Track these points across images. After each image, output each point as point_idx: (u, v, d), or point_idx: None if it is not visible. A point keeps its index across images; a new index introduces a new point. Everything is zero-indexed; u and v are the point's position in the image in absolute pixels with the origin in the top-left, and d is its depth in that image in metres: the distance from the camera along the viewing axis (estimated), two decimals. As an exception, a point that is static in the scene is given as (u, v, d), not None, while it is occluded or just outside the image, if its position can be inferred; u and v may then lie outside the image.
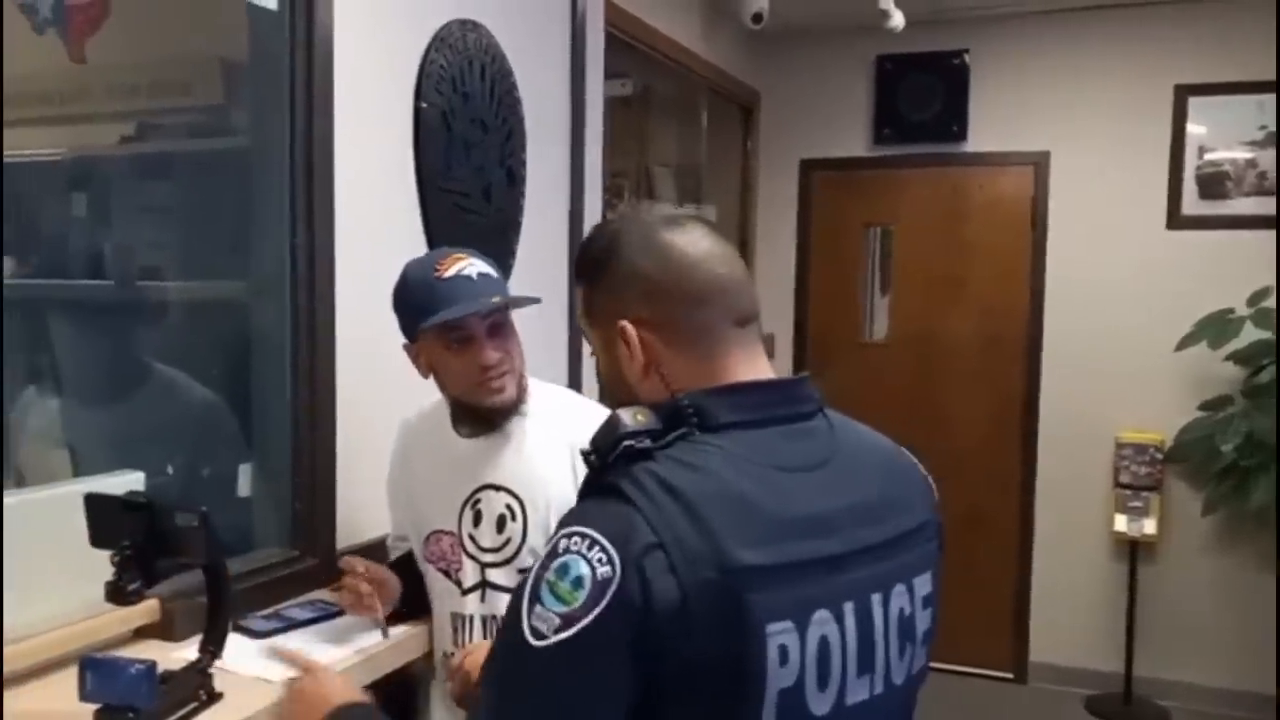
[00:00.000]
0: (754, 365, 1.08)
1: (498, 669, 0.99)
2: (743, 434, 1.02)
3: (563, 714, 0.95)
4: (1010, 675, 4.44)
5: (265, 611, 1.76)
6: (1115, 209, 4.28)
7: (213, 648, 1.44)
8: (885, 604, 1.04)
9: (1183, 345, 3.96)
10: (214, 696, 1.41)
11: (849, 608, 1.00)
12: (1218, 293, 3.98)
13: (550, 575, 0.94)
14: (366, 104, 2.08)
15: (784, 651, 0.96)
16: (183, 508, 1.34)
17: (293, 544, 1.97)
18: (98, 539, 1.34)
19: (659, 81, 4.04)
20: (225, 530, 1.90)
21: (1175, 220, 4.21)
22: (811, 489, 1.03)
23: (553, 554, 0.96)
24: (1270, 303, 3.87)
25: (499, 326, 1.62)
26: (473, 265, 1.61)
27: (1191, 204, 4.18)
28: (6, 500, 1.42)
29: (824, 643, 0.99)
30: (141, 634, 1.64)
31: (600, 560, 0.93)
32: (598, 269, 1.11)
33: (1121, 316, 4.27)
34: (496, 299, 1.61)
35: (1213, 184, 4.16)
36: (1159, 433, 4.17)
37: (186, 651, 1.48)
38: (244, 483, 2.02)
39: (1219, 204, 4.16)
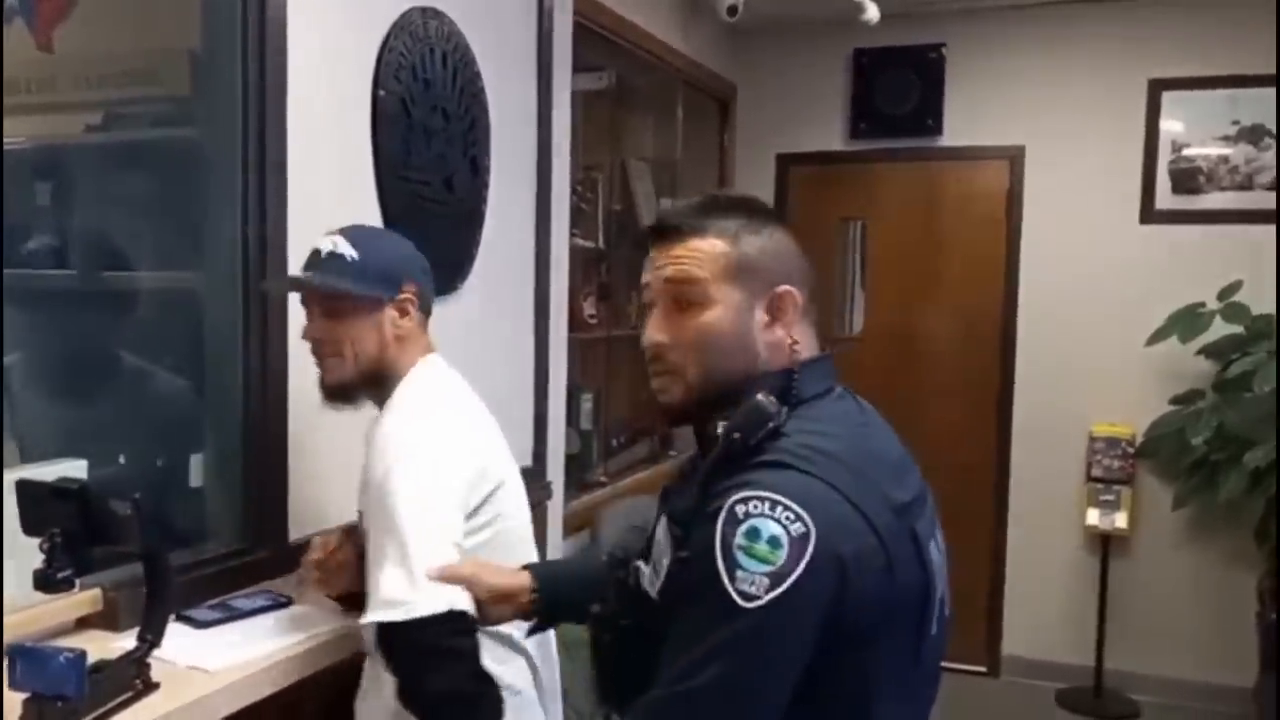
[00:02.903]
0: (816, 339, 1.23)
1: (712, 639, 1.03)
2: (820, 402, 1.17)
3: (785, 666, 1.03)
4: (983, 669, 4.45)
5: (212, 602, 1.75)
6: (1089, 203, 4.29)
7: (151, 637, 1.43)
8: (938, 533, 1.21)
9: (1154, 340, 3.98)
10: (150, 686, 1.40)
11: (937, 532, 1.20)
12: (1189, 287, 3.99)
13: (739, 540, 1.01)
14: (323, 90, 2.06)
15: (938, 566, 1.16)
16: (116, 495, 1.32)
17: (244, 535, 1.95)
18: (28, 526, 1.33)
19: (634, 75, 4.02)
20: (176, 521, 1.91)
21: (1148, 215, 4.22)
22: (880, 442, 1.20)
23: (731, 521, 1.02)
24: (1240, 297, 3.88)
25: (332, 310, 1.61)
26: (333, 242, 1.61)
27: (1165, 199, 4.19)
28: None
29: (940, 557, 1.18)
30: (85, 624, 1.62)
31: (789, 519, 1.02)
32: (767, 226, 1.20)
33: (1095, 310, 4.28)
34: (304, 276, 1.63)
35: (1186, 179, 4.17)
36: (1131, 426, 4.18)
37: (129, 642, 1.47)
38: (195, 473, 2.00)
39: (1192, 199, 4.17)
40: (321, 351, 1.63)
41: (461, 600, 1.43)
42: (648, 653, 1.11)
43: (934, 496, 1.25)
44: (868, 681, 1.08)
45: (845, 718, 1.10)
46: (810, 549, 1.00)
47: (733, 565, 1.01)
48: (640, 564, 1.23)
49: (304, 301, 1.67)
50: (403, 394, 1.62)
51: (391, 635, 1.43)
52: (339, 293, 1.59)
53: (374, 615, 1.44)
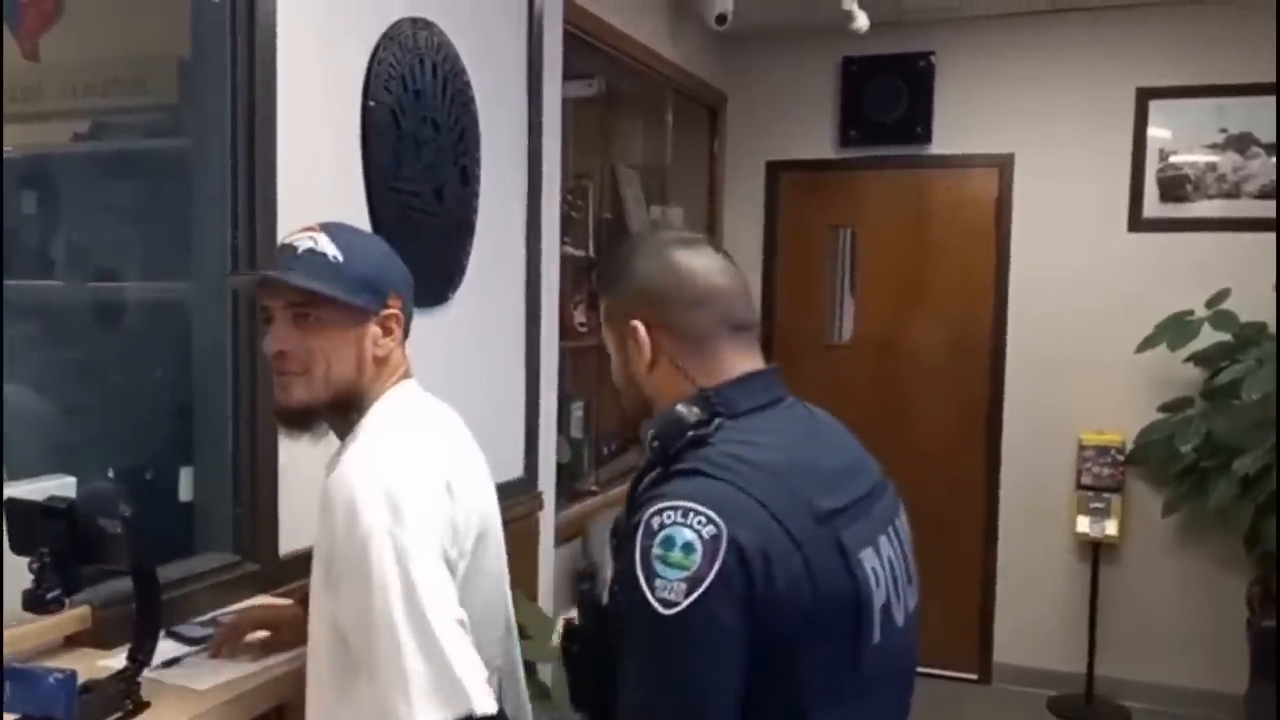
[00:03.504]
0: (749, 358, 1.26)
1: (643, 652, 1.07)
2: (760, 414, 1.21)
3: (707, 669, 1.04)
4: (974, 676, 4.45)
5: (202, 618, 1.73)
6: (1078, 211, 4.30)
7: (141, 656, 1.41)
8: (889, 539, 1.22)
9: (1143, 347, 3.99)
10: (140, 706, 1.38)
11: (882, 539, 1.20)
12: (1178, 295, 4.00)
13: (656, 550, 1.05)
14: (312, 101, 2.05)
15: (875, 574, 1.16)
16: (105, 513, 1.31)
17: (235, 549, 1.93)
18: (17, 545, 1.31)
19: (624, 82, 4.02)
20: (165, 535, 1.89)
21: (1137, 223, 4.23)
22: (824, 450, 1.23)
23: (649, 532, 1.07)
24: (1228, 305, 3.89)
25: (304, 318, 1.36)
26: (312, 239, 1.38)
27: (1153, 207, 4.21)
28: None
29: (886, 564, 1.18)
30: (73, 642, 1.60)
31: (701, 523, 1.05)
32: (613, 277, 1.31)
33: (1084, 318, 4.29)
34: (281, 274, 1.36)
35: (1173, 187, 4.19)
36: (1120, 434, 4.19)
37: (118, 660, 1.45)
38: (185, 487, 1.98)
39: (1179, 207, 4.18)
40: (287, 367, 1.37)
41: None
42: (610, 661, 1.13)
43: (908, 503, 1.30)
44: (799, 689, 1.10)
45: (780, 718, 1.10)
46: (723, 548, 1.04)
47: (651, 575, 1.05)
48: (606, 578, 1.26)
49: (265, 306, 1.40)
50: (373, 427, 1.38)
51: None
52: (321, 298, 1.34)
53: None
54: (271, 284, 1.37)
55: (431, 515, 1.28)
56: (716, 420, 1.16)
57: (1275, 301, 3.71)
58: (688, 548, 1.04)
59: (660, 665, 1.05)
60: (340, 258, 1.37)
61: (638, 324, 1.25)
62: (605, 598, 1.21)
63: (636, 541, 1.07)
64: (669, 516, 1.06)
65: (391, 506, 1.24)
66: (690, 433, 1.14)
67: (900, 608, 1.21)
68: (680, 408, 1.17)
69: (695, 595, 1.03)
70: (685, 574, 1.03)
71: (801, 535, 1.09)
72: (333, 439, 1.45)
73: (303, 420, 1.41)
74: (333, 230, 1.41)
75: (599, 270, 1.42)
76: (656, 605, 1.04)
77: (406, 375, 1.46)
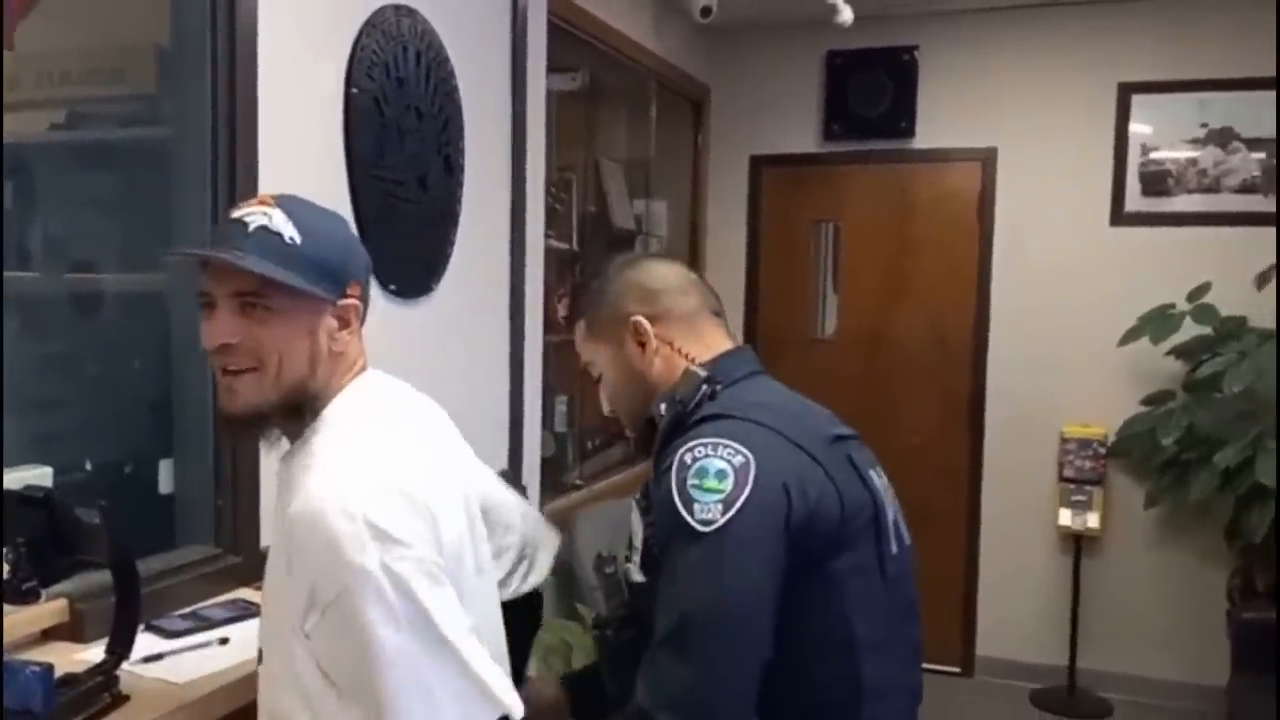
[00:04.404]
0: (729, 339, 1.43)
1: (685, 571, 1.17)
2: (748, 381, 1.36)
3: (756, 579, 1.16)
4: (957, 669, 4.46)
5: (183, 611, 1.71)
6: (1061, 205, 4.31)
7: (120, 649, 1.39)
8: (879, 474, 1.35)
9: (1125, 340, 4.00)
10: (119, 699, 1.36)
11: (878, 468, 1.35)
12: (1159, 289, 4.01)
13: (691, 479, 1.17)
14: (294, 88, 2.03)
15: (885, 490, 1.31)
16: (83, 503, 1.28)
17: (216, 541, 1.91)
18: (-7, 536, 1.28)
19: (608, 75, 4.00)
20: (145, 528, 1.86)
21: (1119, 217, 4.24)
22: (810, 403, 1.38)
23: (682, 467, 1.18)
24: (1209, 299, 3.91)
25: (251, 307, 1.17)
26: (265, 214, 1.19)
27: (1134, 201, 4.22)
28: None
29: (886, 488, 1.32)
30: (50, 635, 1.58)
31: (730, 453, 1.18)
32: (595, 296, 1.44)
33: (1066, 312, 4.30)
34: (228, 254, 1.16)
35: (1155, 181, 4.21)
36: (1102, 427, 4.21)
37: (96, 654, 1.43)
38: (165, 479, 1.95)
39: (1161, 201, 4.20)
40: (234, 363, 1.18)
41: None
42: (642, 638, 1.21)
43: (903, 498, 1.40)
44: (843, 594, 1.22)
45: (830, 635, 1.23)
46: (753, 474, 1.17)
47: (689, 501, 1.16)
48: (627, 557, 1.33)
49: (205, 291, 1.20)
50: (331, 432, 1.22)
51: None
52: (276, 285, 1.16)
53: None
54: (218, 267, 1.17)
55: (418, 528, 1.15)
56: (719, 384, 1.32)
57: (1275, 294, 3.73)
58: (720, 474, 1.16)
59: (701, 576, 1.15)
60: (298, 238, 1.18)
61: (639, 318, 1.38)
62: (632, 572, 1.30)
63: (672, 476, 1.18)
64: (700, 451, 1.19)
65: (377, 535, 1.10)
66: (704, 387, 1.31)
67: (904, 528, 1.35)
68: (692, 368, 1.34)
69: (731, 513, 1.15)
70: (721, 496, 1.15)
71: (820, 454, 1.23)
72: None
73: (253, 425, 1.22)
74: (288, 206, 1.21)
75: (580, 301, 1.48)
76: (696, 525, 1.15)
77: (363, 369, 1.29)
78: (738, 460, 1.17)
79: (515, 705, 1.17)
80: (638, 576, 1.30)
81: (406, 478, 1.18)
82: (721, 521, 1.14)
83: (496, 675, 1.17)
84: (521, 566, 1.51)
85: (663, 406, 1.32)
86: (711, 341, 1.40)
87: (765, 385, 1.38)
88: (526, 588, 1.51)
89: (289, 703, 1.17)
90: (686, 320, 1.40)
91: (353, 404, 1.24)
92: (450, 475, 1.30)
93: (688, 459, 1.18)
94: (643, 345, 1.38)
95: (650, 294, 1.40)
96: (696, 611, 1.15)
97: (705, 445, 1.19)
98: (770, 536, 1.16)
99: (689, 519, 1.15)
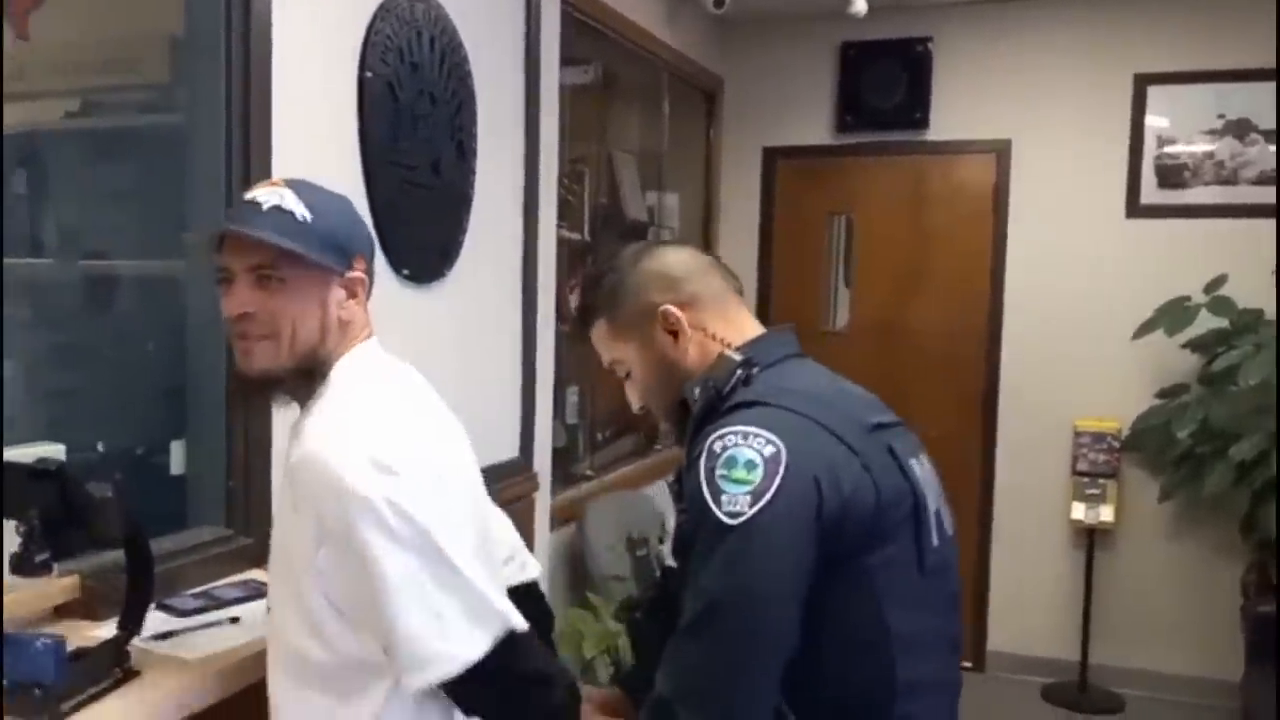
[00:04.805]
0: (756, 322, 1.38)
1: (712, 563, 1.14)
2: (787, 362, 1.32)
3: (784, 575, 1.13)
4: (969, 664, 4.44)
5: (194, 590, 1.71)
6: (1076, 197, 4.29)
7: (131, 625, 1.39)
8: (922, 462, 1.31)
9: (1140, 333, 3.97)
10: (130, 675, 1.37)
11: (921, 456, 1.31)
12: (1175, 281, 3.99)
13: (720, 469, 1.14)
14: (308, 72, 2.03)
15: (925, 482, 1.26)
16: (95, 477, 1.29)
17: (228, 522, 1.92)
18: (6, 508, 1.29)
19: (621, 67, 4.00)
20: (157, 509, 1.87)
21: (1134, 209, 4.22)
22: (853, 387, 1.35)
23: (711, 456, 1.15)
24: (1226, 291, 3.88)
25: (267, 279, 1.27)
26: (278, 194, 1.29)
27: (1150, 193, 4.19)
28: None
29: (929, 477, 1.29)
30: (62, 612, 1.58)
31: (760, 443, 1.14)
32: (611, 295, 1.37)
33: (1081, 304, 4.27)
34: (245, 230, 1.27)
35: (1171, 173, 4.18)
36: (1116, 420, 4.18)
37: (108, 631, 1.43)
38: (177, 460, 1.96)
39: (1177, 193, 4.17)
40: (251, 330, 1.28)
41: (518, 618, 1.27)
42: (673, 623, 1.19)
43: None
44: (875, 591, 1.18)
45: (863, 631, 1.19)
46: (783, 465, 1.13)
47: (717, 492, 1.14)
48: (660, 539, 1.32)
49: (224, 267, 1.30)
50: (337, 389, 1.31)
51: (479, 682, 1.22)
52: (290, 256, 1.26)
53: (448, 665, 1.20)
54: (235, 241, 1.28)
55: (418, 460, 1.25)
56: (755, 367, 1.27)
57: (1275, 287, 3.70)
58: (750, 465, 1.13)
59: (726, 568, 1.13)
60: (308, 216, 1.29)
61: (667, 306, 1.33)
62: (665, 555, 1.29)
63: (700, 465, 1.16)
64: (730, 440, 1.15)
65: (379, 468, 1.19)
66: (739, 371, 1.26)
67: (947, 518, 1.31)
68: (725, 353, 1.29)
69: (759, 505, 1.12)
70: (749, 488, 1.12)
71: (857, 444, 1.19)
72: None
73: (267, 388, 1.33)
74: (299, 187, 1.32)
75: (581, 306, 1.43)
76: (723, 517, 1.12)
77: (369, 338, 1.39)
78: (768, 451, 1.14)
79: (519, 621, 1.25)
80: (670, 560, 1.29)
81: (406, 414, 1.32)
82: (749, 514, 1.11)
83: (498, 590, 1.27)
84: (512, 564, 1.56)
85: (696, 390, 1.28)
86: (742, 323, 1.36)
87: (804, 368, 1.34)
88: (525, 578, 1.57)
89: (300, 641, 1.26)
90: (716, 303, 1.35)
91: (356, 364, 1.34)
92: (445, 432, 1.39)
93: (717, 447, 1.16)
94: (674, 334, 1.33)
95: (674, 281, 1.34)
96: (720, 605, 1.14)
97: (736, 434, 1.16)
98: (799, 530, 1.13)
99: (717, 511, 1.13)
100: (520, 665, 1.26)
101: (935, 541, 1.25)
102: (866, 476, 1.17)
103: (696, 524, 1.16)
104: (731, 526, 1.12)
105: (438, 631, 1.19)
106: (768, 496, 1.12)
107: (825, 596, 1.16)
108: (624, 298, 1.36)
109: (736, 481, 1.13)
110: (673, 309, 1.32)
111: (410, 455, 1.24)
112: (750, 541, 1.12)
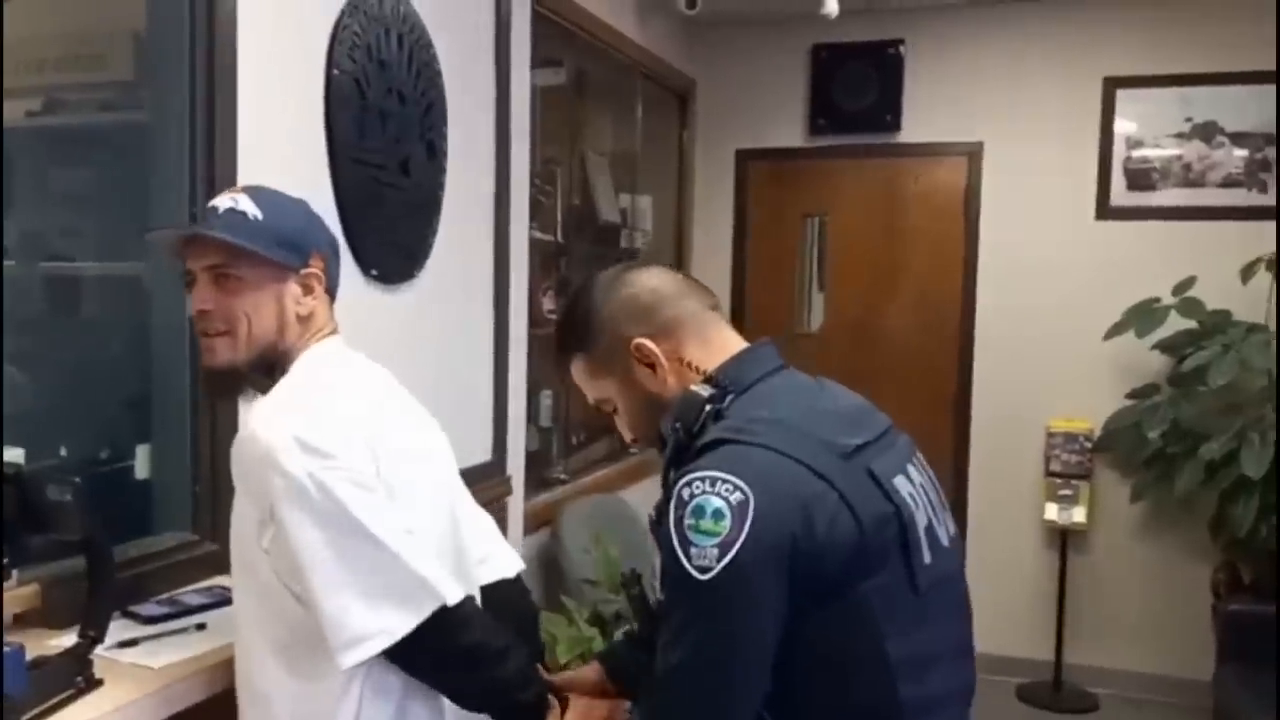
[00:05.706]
0: (735, 336, 1.33)
1: (680, 618, 1.13)
2: (766, 381, 1.26)
3: (754, 627, 1.11)
4: (944, 665, 4.45)
5: (160, 597, 1.67)
6: (1047, 200, 4.31)
7: (93, 632, 1.36)
8: (916, 468, 1.28)
9: (1111, 334, 4.00)
10: (93, 683, 1.33)
11: (910, 467, 1.26)
12: (1145, 283, 4.02)
13: (688, 520, 1.11)
14: (274, 69, 1.99)
15: (912, 498, 1.21)
16: (55, 480, 1.25)
17: (194, 528, 1.88)
18: (-39, 514, 1.25)
19: (593, 69, 3.98)
20: (121, 513, 1.83)
21: (1104, 211, 4.25)
22: (836, 399, 1.31)
23: (680, 504, 1.12)
24: (1194, 293, 3.92)
25: (224, 278, 1.35)
26: (233, 199, 1.38)
27: (1120, 195, 4.23)
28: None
29: (919, 489, 1.24)
30: (21, 622, 1.53)
31: (728, 490, 1.11)
32: (584, 328, 1.32)
33: (1052, 306, 4.30)
34: (204, 231, 1.35)
35: (1140, 176, 4.21)
36: (1088, 421, 4.21)
37: (68, 640, 1.40)
38: (142, 464, 1.92)
39: (1146, 195, 4.21)
40: (210, 327, 1.36)
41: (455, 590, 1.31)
42: None
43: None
44: (869, 620, 1.14)
45: (862, 660, 1.15)
46: (751, 512, 1.09)
47: (686, 544, 1.11)
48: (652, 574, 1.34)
49: (187, 270, 1.38)
50: (288, 381, 1.37)
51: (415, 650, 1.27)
52: (240, 252, 1.33)
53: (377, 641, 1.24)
54: (191, 241, 1.37)
55: (355, 442, 1.30)
56: (729, 396, 1.23)
57: (1275, 287, 3.73)
58: (717, 515, 1.10)
59: (696, 625, 1.12)
60: (260, 215, 1.37)
61: (639, 340, 1.28)
62: (659, 591, 1.25)
63: (670, 513, 1.13)
64: (698, 487, 1.11)
65: (306, 448, 1.25)
66: (707, 406, 1.22)
67: (942, 529, 1.27)
68: (693, 388, 1.24)
69: (728, 559, 1.08)
70: (717, 540, 1.09)
71: (832, 474, 1.14)
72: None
73: (228, 382, 1.40)
74: (254, 192, 1.41)
75: (557, 339, 1.40)
76: (693, 571, 1.10)
77: (333, 333, 1.45)
78: (735, 498, 1.10)
79: (451, 593, 1.28)
80: (660, 597, 1.26)
81: (344, 399, 1.35)
82: (718, 569, 1.09)
83: (432, 566, 1.30)
84: (484, 566, 1.57)
85: (670, 424, 1.24)
86: (720, 342, 1.31)
87: (783, 387, 1.28)
88: (497, 576, 1.58)
89: (263, 622, 1.31)
90: (691, 327, 1.30)
91: (314, 359, 1.39)
92: (403, 419, 1.45)
93: (685, 495, 1.12)
94: (652, 367, 1.29)
95: (644, 310, 1.30)
96: (690, 664, 1.13)
97: (704, 479, 1.12)
98: (769, 579, 1.10)
99: (686, 565, 1.10)
100: (460, 639, 1.29)
101: (928, 559, 1.20)
102: (845, 510, 1.13)
103: (667, 570, 1.15)
104: (700, 581, 1.10)
105: (363, 608, 1.23)
106: (735, 549, 1.09)
107: (820, 627, 1.14)
108: (597, 333, 1.32)
109: (704, 533, 1.10)
110: (646, 343, 1.28)
111: (345, 437, 1.29)
112: (719, 598, 1.10)
